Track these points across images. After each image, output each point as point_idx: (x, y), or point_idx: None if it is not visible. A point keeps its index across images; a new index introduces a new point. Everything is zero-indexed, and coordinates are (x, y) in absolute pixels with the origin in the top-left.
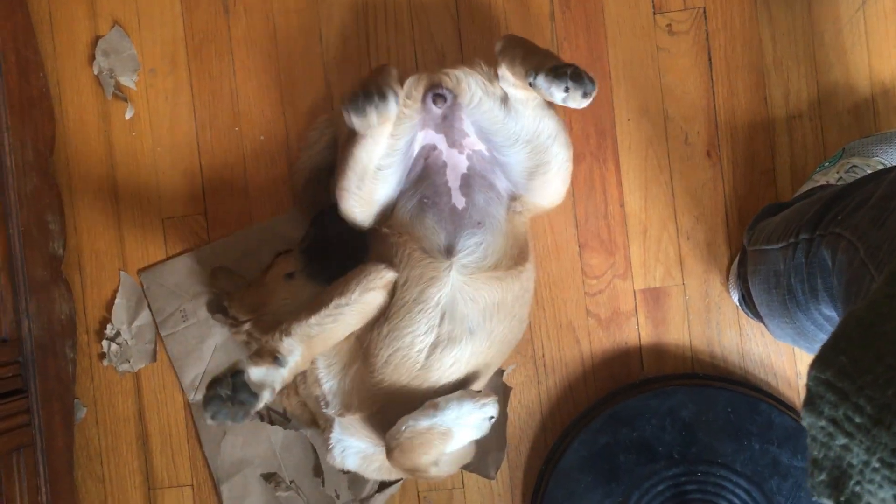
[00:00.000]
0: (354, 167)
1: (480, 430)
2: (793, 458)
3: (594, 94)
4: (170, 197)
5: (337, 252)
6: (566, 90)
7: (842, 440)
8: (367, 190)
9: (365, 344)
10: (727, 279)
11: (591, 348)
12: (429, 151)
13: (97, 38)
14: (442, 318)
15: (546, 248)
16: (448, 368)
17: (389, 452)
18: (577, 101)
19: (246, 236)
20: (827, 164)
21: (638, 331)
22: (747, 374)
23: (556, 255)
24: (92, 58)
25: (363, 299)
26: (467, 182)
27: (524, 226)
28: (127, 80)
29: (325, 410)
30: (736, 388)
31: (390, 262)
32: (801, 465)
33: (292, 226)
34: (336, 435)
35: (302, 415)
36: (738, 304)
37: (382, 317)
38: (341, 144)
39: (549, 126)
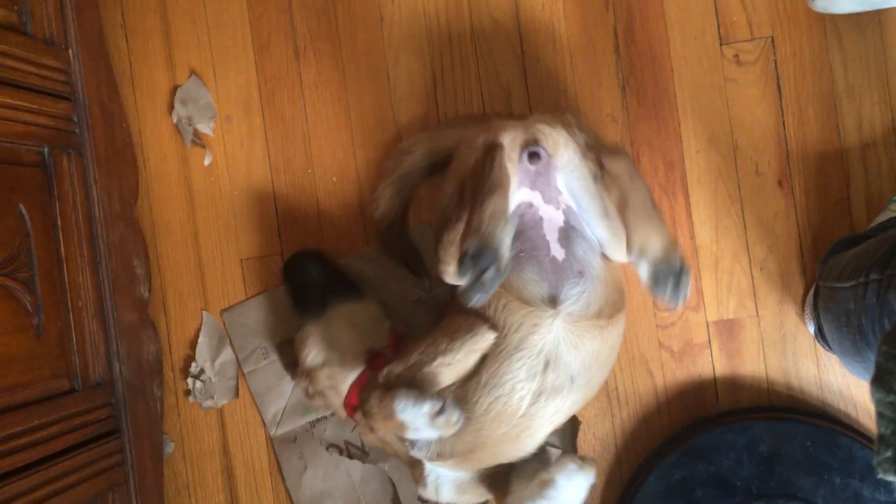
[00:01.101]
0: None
1: (583, 494)
2: (875, 491)
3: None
4: (247, 238)
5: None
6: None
7: None
8: None
9: (460, 393)
10: (803, 310)
11: (664, 381)
12: (525, 209)
13: (175, 88)
14: (546, 367)
15: None
16: (550, 417)
17: None
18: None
19: None
20: None
21: (712, 363)
22: (826, 406)
23: (628, 288)
24: (171, 107)
25: (467, 360)
26: (565, 235)
27: (619, 271)
28: (204, 128)
29: (412, 452)
30: (814, 420)
31: (482, 315)
32: (885, 499)
33: (365, 264)
34: (429, 466)
35: (382, 447)
36: (814, 335)
37: (480, 366)
38: (442, 214)
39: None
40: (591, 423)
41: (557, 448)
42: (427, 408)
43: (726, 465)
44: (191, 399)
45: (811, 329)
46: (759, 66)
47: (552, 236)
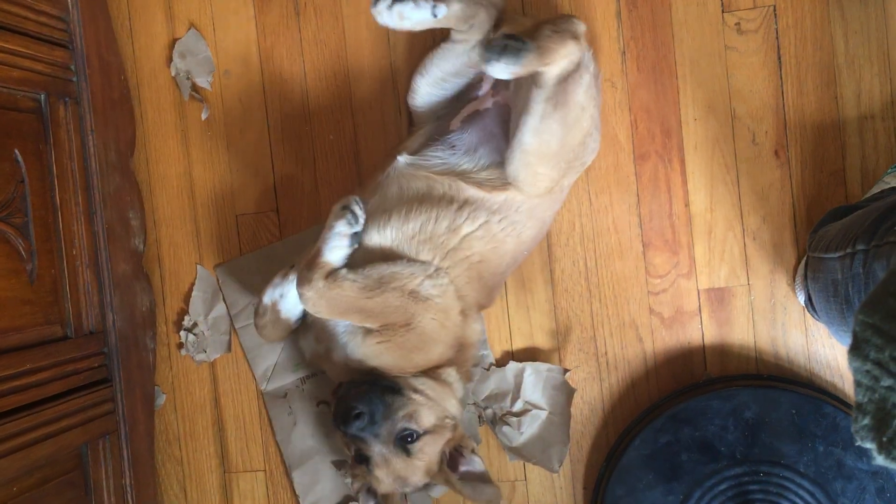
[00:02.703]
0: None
1: None
2: (858, 460)
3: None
4: (243, 194)
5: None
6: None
7: (887, 381)
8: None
9: None
10: (794, 280)
11: (653, 347)
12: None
13: (174, 41)
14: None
15: (609, 246)
16: None
17: None
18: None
19: (316, 234)
20: None
21: (702, 330)
22: (813, 376)
23: (620, 254)
24: (169, 60)
25: None
26: (470, 120)
27: None
28: (202, 82)
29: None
30: (800, 389)
31: None
32: (867, 468)
33: None
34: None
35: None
36: (804, 305)
37: None
38: None
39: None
40: (580, 387)
41: (544, 409)
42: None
43: (711, 430)
44: (183, 352)
45: (801, 299)
46: (760, 35)
47: (464, 112)
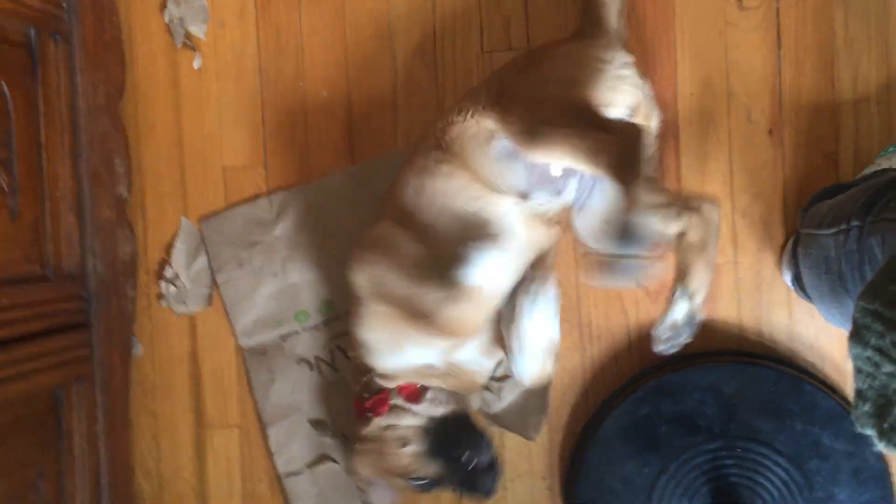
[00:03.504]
0: None
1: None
2: (835, 440)
3: None
4: (232, 147)
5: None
6: None
7: (888, 367)
8: None
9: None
10: (781, 259)
11: (637, 319)
12: None
13: None
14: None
15: None
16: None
17: None
18: None
19: (303, 194)
20: (892, 148)
21: None
22: (794, 356)
23: None
24: (163, 5)
25: None
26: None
27: None
28: (196, 30)
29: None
30: (781, 367)
31: None
32: (843, 448)
33: (348, 183)
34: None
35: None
36: (790, 284)
37: None
38: None
39: None
40: (562, 356)
41: None
42: None
43: (691, 404)
44: (163, 303)
45: (787, 278)
46: (761, 12)
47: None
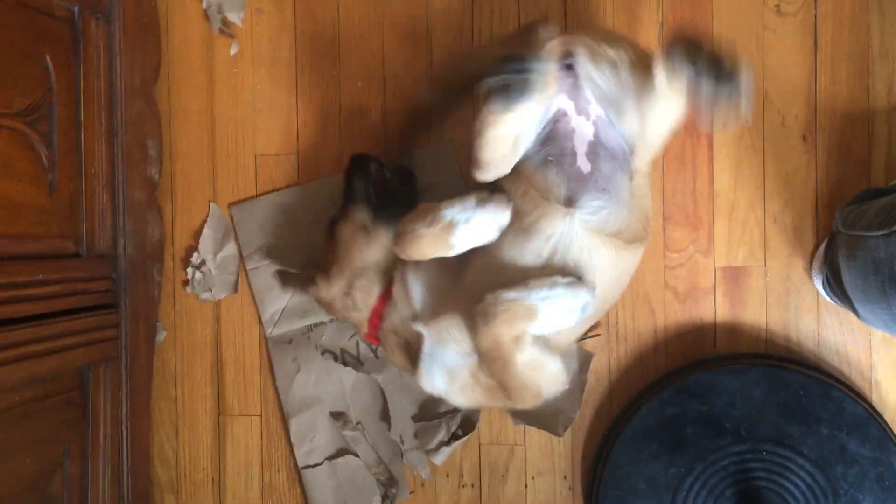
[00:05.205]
0: (496, 145)
1: (569, 316)
2: (861, 446)
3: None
4: (265, 135)
5: (397, 194)
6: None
7: None
8: (507, 161)
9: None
10: (811, 264)
11: (665, 321)
12: (559, 116)
13: None
14: (552, 255)
15: None
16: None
17: (474, 325)
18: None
19: (335, 183)
20: None
21: (714, 308)
22: (821, 361)
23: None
24: None
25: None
26: (594, 150)
27: (648, 202)
28: (234, 17)
29: (415, 326)
30: (809, 371)
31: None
32: (869, 454)
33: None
34: (426, 350)
35: (399, 357)
36: (820, 288)
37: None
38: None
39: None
40: None
41: None
42: (473, 197)
43: (719, 405)
44: (188, 289)
45: (817, 283)
46: (799, 18)
47: (581, 149)
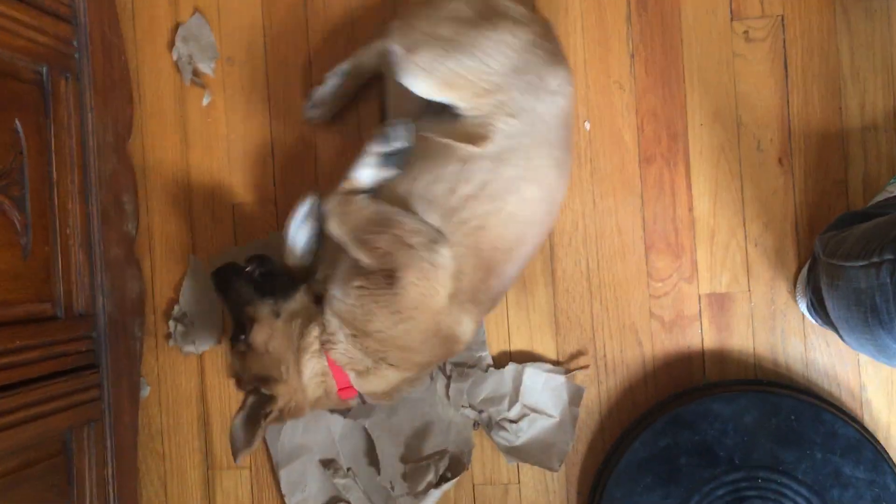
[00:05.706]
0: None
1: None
2: (855, 468)
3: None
4: (241, 184)
5: (272, 274)
6: None
7: None
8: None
9: None
10: (794, 287)
11: (653, 350)
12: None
13: (178, 25)
14: None
15: (612, 248)
16: None
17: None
18: None
19: None
20: None
21: (701, 335)
22: (811, 384)
23: (622, 256)
24: (172, 44)
25: None
26: None
27: None
28: (205, 68)
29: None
30: (800, 395)
31: None
32: (864, 476)
33: None
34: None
35: None
36: (805, 311)
37: None
38: None
39: None
40: None
41: (544, 414)
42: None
43: (711, 434)
44: (171, 343)
45: (802, 306)
46: (767, 44)
47: None
